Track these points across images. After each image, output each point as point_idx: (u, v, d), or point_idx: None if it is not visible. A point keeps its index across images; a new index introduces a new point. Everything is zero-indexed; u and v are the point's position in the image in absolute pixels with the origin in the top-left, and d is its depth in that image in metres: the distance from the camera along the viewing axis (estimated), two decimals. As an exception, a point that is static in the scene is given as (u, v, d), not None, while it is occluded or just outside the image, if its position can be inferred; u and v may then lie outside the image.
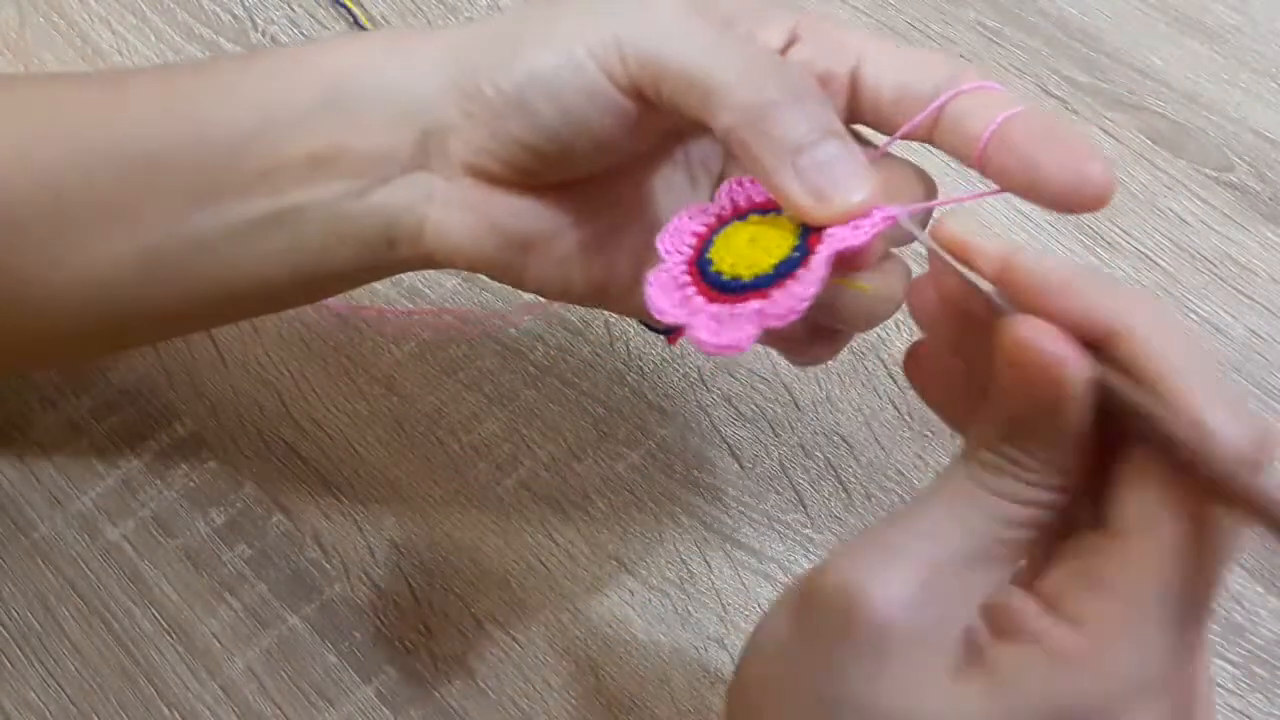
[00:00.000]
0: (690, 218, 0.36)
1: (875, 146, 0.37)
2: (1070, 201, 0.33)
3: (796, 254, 0.33)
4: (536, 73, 0.35)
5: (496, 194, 0.38)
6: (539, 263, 0.38)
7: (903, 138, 0.36)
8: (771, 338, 0.37)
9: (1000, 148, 0.34)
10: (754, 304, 0.33)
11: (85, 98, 0.41)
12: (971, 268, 0.31)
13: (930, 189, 0.37)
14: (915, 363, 0.35)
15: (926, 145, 0.36)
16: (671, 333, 0.41)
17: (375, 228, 0.38)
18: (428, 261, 0.39)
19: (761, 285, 0.33)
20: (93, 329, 0.41)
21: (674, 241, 0.36)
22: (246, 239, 0.39)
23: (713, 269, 0.34)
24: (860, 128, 0.38)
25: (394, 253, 0.39)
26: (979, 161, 0.34)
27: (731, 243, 0.35)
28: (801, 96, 0.34)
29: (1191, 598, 0.28)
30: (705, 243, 0.36)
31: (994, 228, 0.54)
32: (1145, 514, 0.28)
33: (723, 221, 0.36)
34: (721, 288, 0.34)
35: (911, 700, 0.28)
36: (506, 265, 0.38)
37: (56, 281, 0.40)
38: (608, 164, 0.37)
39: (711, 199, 0.38)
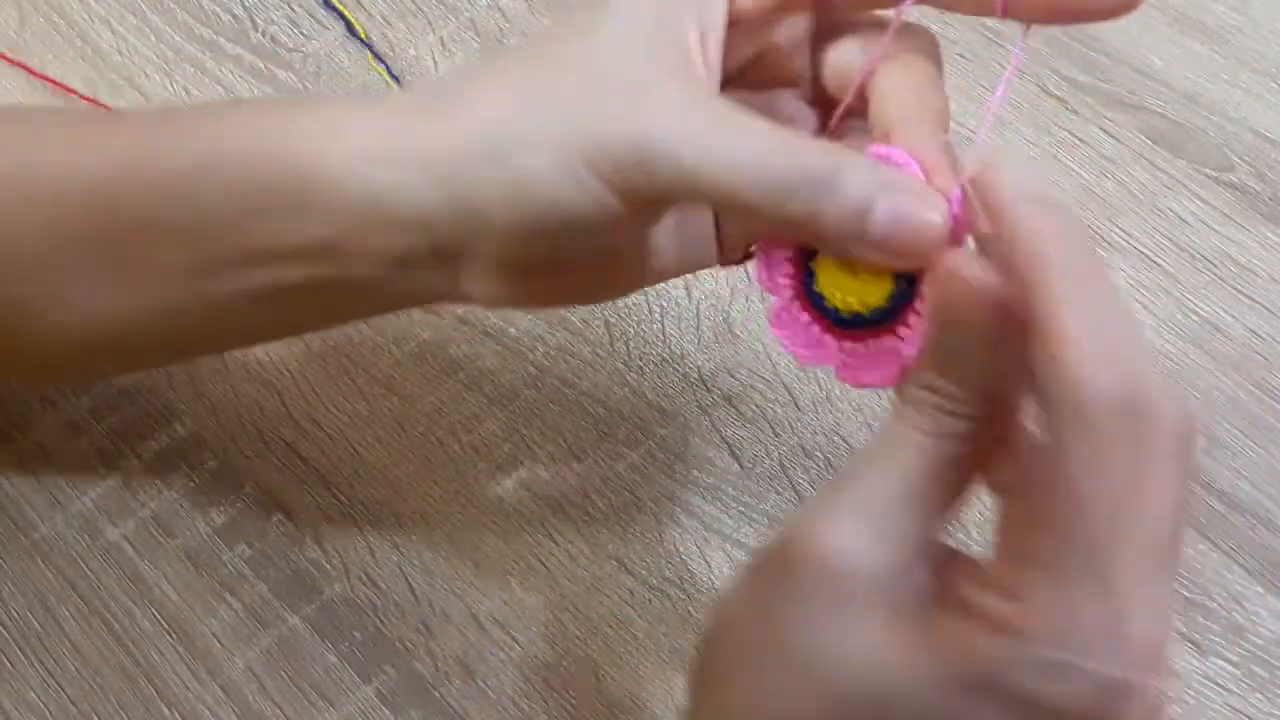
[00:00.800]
0: (777, 245, 0.35)
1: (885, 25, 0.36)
2: (1103, 6, 0.32)
3: (905, 283, 0.33)
4: (536, 207, 0.33)
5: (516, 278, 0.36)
6: (572, 297, 0.40)
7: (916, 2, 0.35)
8: None
9: None
10: (888, 342, 0.33)
11: (74, 144, 0.39)
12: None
13: (934, 45, 0.37)
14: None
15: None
16: (744, 257, 0.39)
17: (407, 295, 0.38)
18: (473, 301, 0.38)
19: (880, 320, 0.33)
20: (106, 362, 0.42)
21: (772, 274, 0.35)
22: (263, 303, 0.37)
23: (827, 304, 0.34)
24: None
25: (432, 301, 0.40)
26: (1004, 2, 0.34)
27: (830, 271, 0.34)
28: (833, 175, 0.32)
29: (1108, 533, 0.28)
30: (804, 270, 0.35)
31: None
32: (1030, 467, 0.29)
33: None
34: (840, 323, 0.34)
35: (876, 652, 0.29)
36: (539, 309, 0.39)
37: (65, 324, 0.39)
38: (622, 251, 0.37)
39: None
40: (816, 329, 0.35)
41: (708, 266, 0.40)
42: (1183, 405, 0.28)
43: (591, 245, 0.35)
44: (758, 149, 0.32)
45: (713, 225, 0.39)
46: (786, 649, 0.30)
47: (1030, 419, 0.31)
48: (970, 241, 0.32)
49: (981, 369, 0.30)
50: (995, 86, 0.57)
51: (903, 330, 0.33)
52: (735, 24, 0.36)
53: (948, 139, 0.34)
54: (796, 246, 0.35)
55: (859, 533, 0.30)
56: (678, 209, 0.37)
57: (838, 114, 0.37)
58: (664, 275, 0.39)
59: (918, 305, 0.33)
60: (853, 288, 0.34)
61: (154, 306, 0.38)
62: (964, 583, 0.30)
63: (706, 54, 0.35)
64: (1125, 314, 0.29)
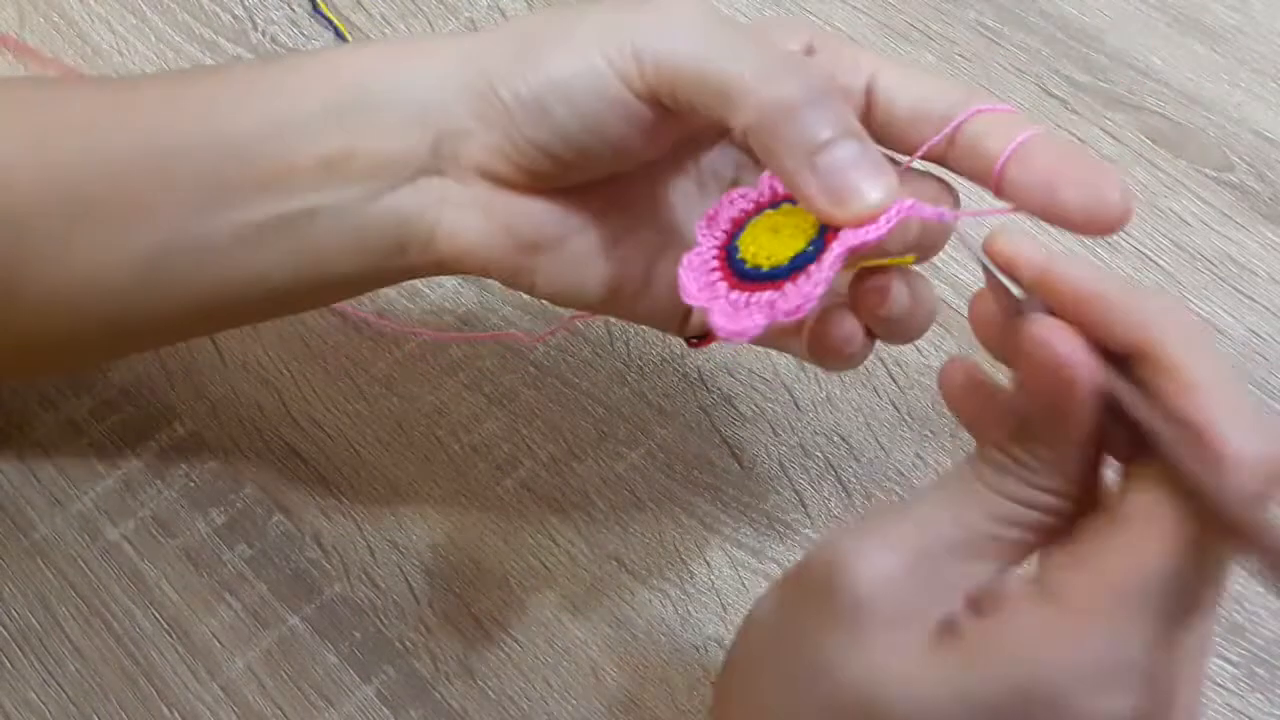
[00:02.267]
0: (730, 203, 0.37)
1: (898, 165, 0.37)
2: (1088, 225, 0.33)
3: (812, 248, 0.33)
4: (554, 78, 0.35)
5: (509, 197, 0.38)
6: (550, 266, 0.38)
7: (920, 157, 0.36)
8: (790, 338, 0.38)
9: (1018, 169, 0.34)
10: (767, 295, 0.33)
11: (97, 98, 0.41)
12: (1014, 277, 0.31)
13: (954, 197, 0.38)
14: (950, 379, 0.35)
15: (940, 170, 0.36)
16: (700, 339, 0.41)
17: (386, 232, 0.38)
18: (438, 268, 0.39)
19: (778, 276, 0.34)
20: (92, 333, 0.41)
21: (711, 226, 0.37)
22: (254, 242, 0.39)
23: (738, 256, 0.35)
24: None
25: (404, 258, 0.39)
26: (997, 182, 0.34)
27: (757, 232, 0.35)
28: (820, 95, 0.34)
29: (1180, 595, 0.28)
30: (738, 229, 0.36)
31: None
32: (1147, 505, 0.28)
33: (759, 208, 0.37)
34: (743, 276, 0.35)
35: (880, 671, 0.29)
36: (518, 269, 0.38)
37: (59, 281, 0.40)
38: (622, 169, 0.38)
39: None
40: (717, 276, 0.35)
41: (666, 330, 0.41)
42: None
43: (596, 146, 0.36)
44: (762, 54, 0.34)
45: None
46: (796, 662, 0.30)
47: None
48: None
49: (1071, 452, 0.30)
50: (996, 92, 0.57)
51: (787, 286, 0.33)
52: None
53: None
54: (756, 204, 0.37)
55: (893, 566, 0.29)
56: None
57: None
58: (631, 307, 0.40)
59: (810, 267, 0.33)
60: (765, 245, 0.35)
61: (151, 249, 0.39)
62: (1004, 584, 0.29)
63: None
64: (1240, 379, 0.29)
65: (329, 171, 0.38)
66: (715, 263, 0.36)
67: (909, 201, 0.33)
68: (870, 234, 0.33)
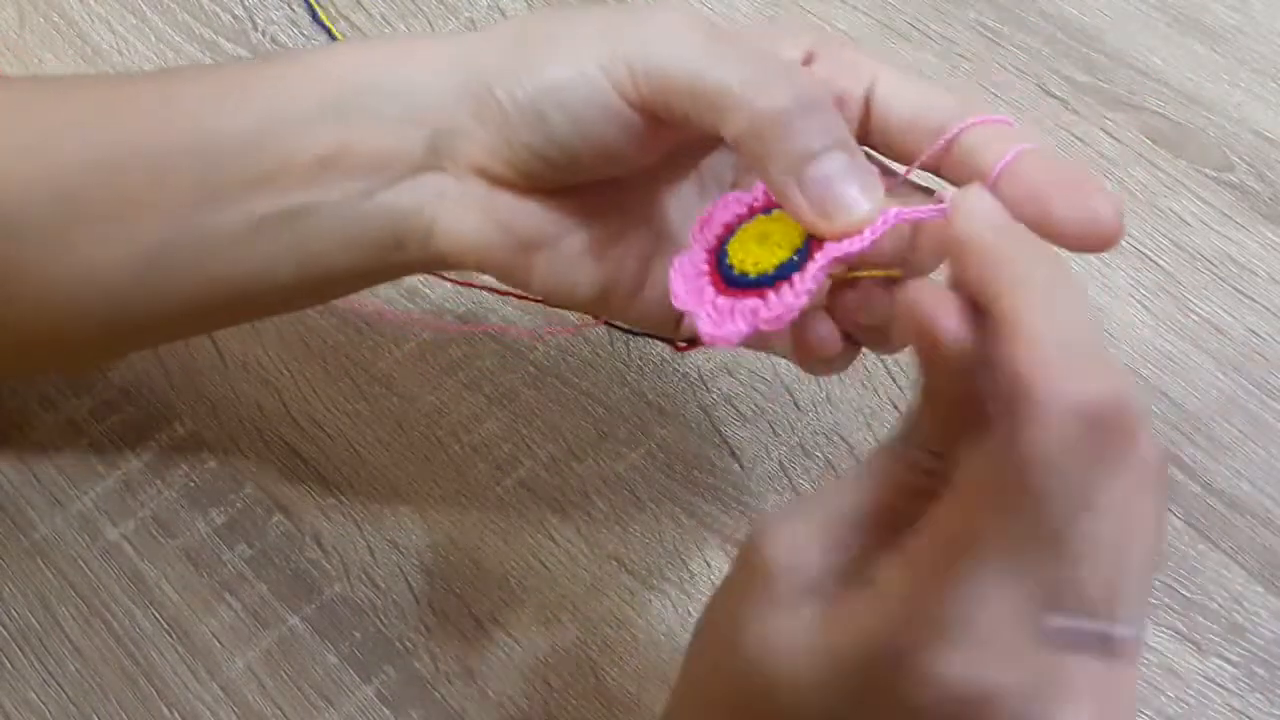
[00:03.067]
0: (724, 207, 0.37)
1: (895, 175, 0.37)
2: (1079, 241, 0.33)
3: (797, 257, 0.34)
4: (549, 84, 0.36)
5: (505, 195, 0.38)
6: (545, 264, 0.38)
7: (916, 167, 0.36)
8: (778, 341, 0.38)
9: (1012, 182, 0.34)
10: (751, 302, 0.33)
11: (92, 96, 0.41)
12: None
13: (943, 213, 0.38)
14: None
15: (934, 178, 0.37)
16: (689, 343, 0.41)
17: (384, 228, 0.38)
18: (436, 263, 0.39)
19: (763, 284, 0.34)
20: (92, 332, 0.41)
21: (704, 230, 0.37)
22: (252, 239, 0.39)
23: (727, 261, 0.35)
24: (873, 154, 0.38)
25: (401, 254, 0.39)
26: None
27: (747, 237, 0.36)
28: (810, 105, 0.34)
29: (1012, 543, 0.27)
30: (730, 234, 0.36)
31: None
32: (962, 472, 0.28)
33: (753, 213, 0.37)
34: (730, 281, 0.35)
35: (760, 632, 0.30)
36: (513, 266, 0.39)
37: (58, 280, 0.40)
38: (616, 174, 0.38)
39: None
40: (706, 280, 0.35)
41: (658, 331, 0.41)
42: (1155, 439, 0.28)
43: (590, 152, 0.36)
44: (752, 63, 0.34)
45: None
46: (719, 636, 0.32)
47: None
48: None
49: (935, 406, 0.30)
50: (995, 92, 0.57)
51: (769, 294, 0.34)
52: None
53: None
54: (750, 208, 0.37)
55: (798, 539, 0.31)
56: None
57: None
58: (624, 307, 0.40)
59: (794, 277, 0.33)
60: (752, 252, 0.35)
61: (148, 247, 0.39)
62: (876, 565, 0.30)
63: None
64: (1094, 327, 0.28)
65: (325, 168, 0.38)
66: (705, 267, 0.36)
67: (894, 211, 0.33)
68: (853, 245, 0.33)
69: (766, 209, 0.37)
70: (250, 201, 0.38)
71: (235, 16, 0.60)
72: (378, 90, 0.38)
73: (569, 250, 0.38)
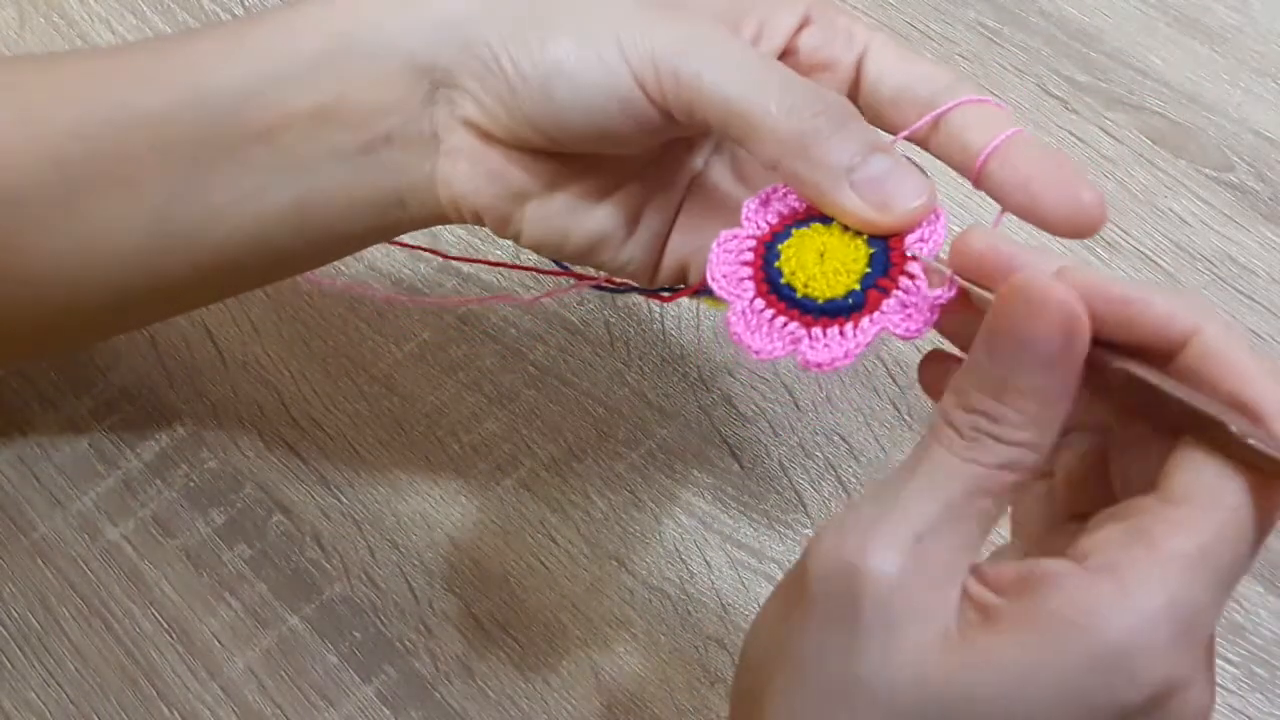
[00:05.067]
0: (785, 194, 0.36)
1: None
2: (1064, 227, 0.33)
3: (851, 300, 0.33)
4: (563, 63, 0.35)
5: (494, 148, 0.37)
6: (536, 214, 0.38)
7: (905, 138, 0.36)
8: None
9: (999, 166, 0.34)
10: (794, 327, 0.33)
11: (85, 68, 0.41)
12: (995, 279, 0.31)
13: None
14: (930, 370, 0.35)
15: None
16: (668, 292, 0.40)
17: (385, 184, 0.38)
18: (436, 217, 0.39)
19: (809, 310, 0.33)
20: (96, 306, 0.41)
21: (759, 212, 0.36)
22: (253, 201, 0.38)
23: (777, 264, 0.34)
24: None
25: (403, 210, 0.39)
26: (977, 176, 0.35)
27: (804, 246, 0.34)
28: (843, 120, 0.34)
29: (1233, 564, 0.28)
30: (786, 226, 0.35)
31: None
32: (1204, 483, 0.28)
33: (810, 215, 0.35)
34: (775, 288, 0.34)
35: (928, 668, 0.28)
36: (507, 216, 0.38)
37: (59, 255, 0.39)
38: (615, 153, 0.37)
39: (707, 163, 0.38)
40: (749, 274, 0.34)
41: (636, 280, 0.40)
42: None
43: (594, 135, 0.36)
44: (783, 84, 0.34)
45: (658, 249, 0.39)
46: (827, 680, 0.30)
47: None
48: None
49: (1048, 397, 0.29)
50: (995, 92, 0.57)
51: (816, 330, 0.33)
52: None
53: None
54: (761, 238, 0.36)
55: (901, 563, 0.29)
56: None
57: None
58: (612, 257, 0.39)
59: (847, 327, 0.33)
60: (808, 267, 0.34)
61: (152, 211, 0.39)
62: (1047, 563, 0.29)
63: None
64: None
65: (321, 123, 0.37)
66: (750, 255, 0.35)
67: (942, 289, 0.32)
68: (913, 324, 0.32)
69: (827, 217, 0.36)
70: (250, 162, 0.38)
71: (235, 17, 0.60)
72: (373, 41, 0.37)
73: (561, 200, 0.38)
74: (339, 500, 0.48)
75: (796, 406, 0.50)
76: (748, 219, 0.36)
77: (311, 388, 0.51)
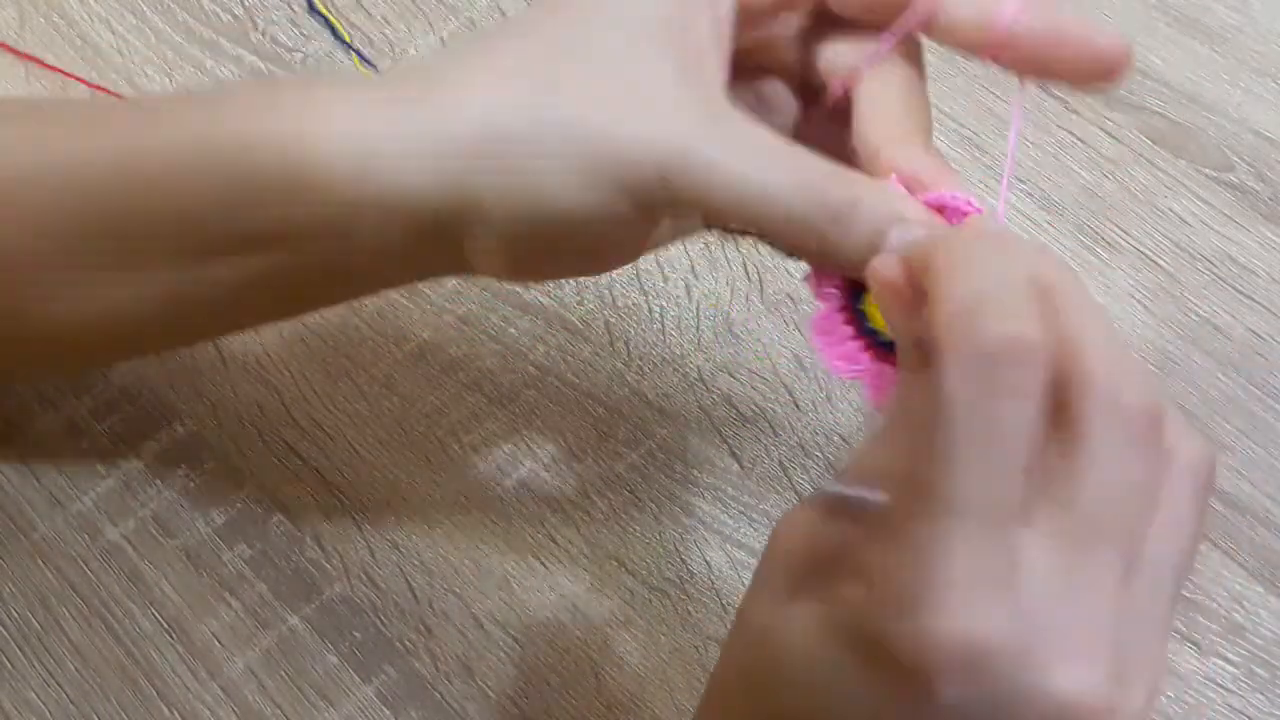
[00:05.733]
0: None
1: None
2: (1095, 71, 0.33)
3: None
4: (545, 208, 0.33)
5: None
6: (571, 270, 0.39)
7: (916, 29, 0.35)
8: None
9: (1015, 43, 0.33)
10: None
11: (70, 143, 0.38)
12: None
13: (918, 49, 0.36)
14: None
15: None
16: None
17: (410, 273, 0.39)
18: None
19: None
20: (103, 357, 0.42)
21: (821, 282, 0.35)
22: (272, 285, 0.38)
23: (868, 323, 0.34)
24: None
25: (432, 276, 0.39)
26: (995, 49, 0.34)
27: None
28: (841, 211, 0.32)
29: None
30: (851, 286, 0.35)
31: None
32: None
33: None
34: (878, 344, 0.34)
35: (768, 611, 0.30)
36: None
37: (59, 319, 0.39)
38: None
39: None
40: (854, 344, 0.34)
41: (695, 234, 0.40)
42: (1208, 450, 0.28)
43: (595, 242, 0.35)
44: (779, 178, 0.32)
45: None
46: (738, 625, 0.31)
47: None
48: None
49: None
50: (994, 87, 0.57)
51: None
52: (740, 15, 0.35)
53: (937, 155, 0.34)
54: (843, 306, 0.35)
55: (797, 522, 0.30)
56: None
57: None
58: (657, 246, 0.39)
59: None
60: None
61: (152, 294, 0.38)
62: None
63: (720, 48, 0.34)
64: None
65: (328, 237, 0.35)
66: (847, 328, 0.35)
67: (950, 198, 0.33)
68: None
69: None
70: (248, 261, 0.36)
71: (235, 16, 0.60)
72: (345, 183, 0.34)
73: (598, 255, 0.37)
74: (339, 500, 0.48)
75: (796, 406, 0.50)
76: (821, 298, 0.35)
77: (311, 388, 0.50)
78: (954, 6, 0.34)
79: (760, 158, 0.32)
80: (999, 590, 0.26)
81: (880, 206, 0.32)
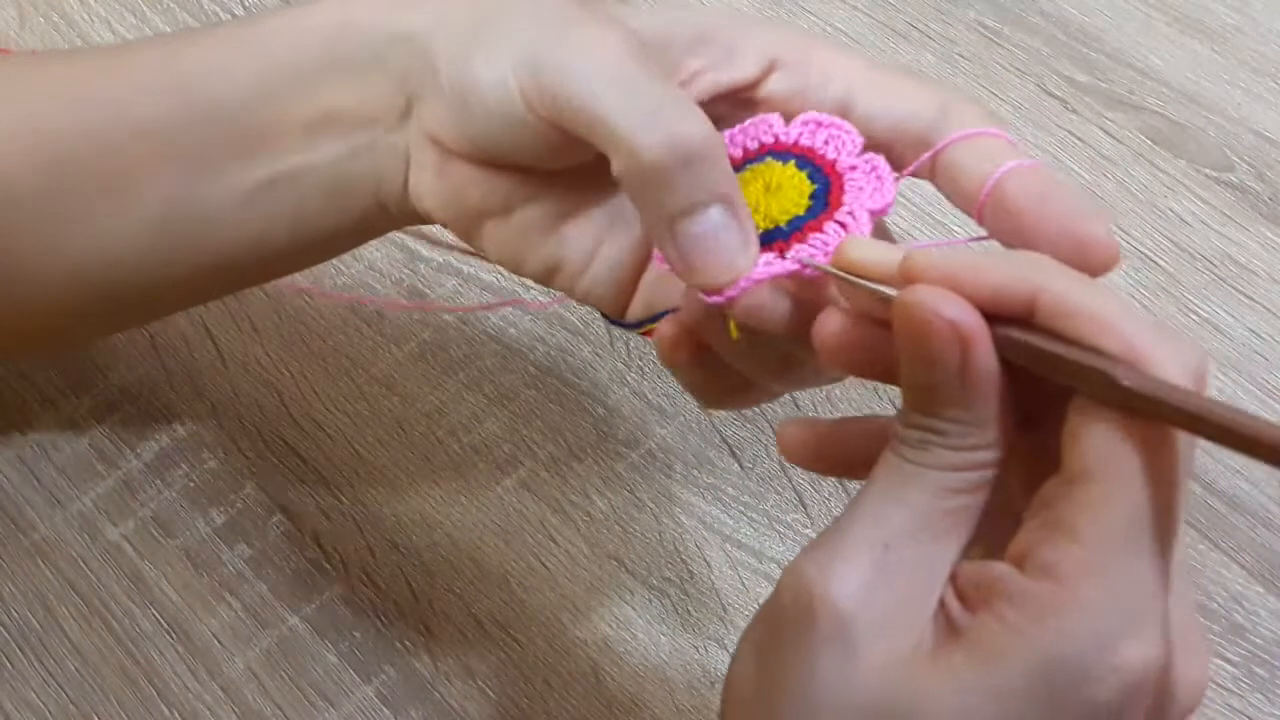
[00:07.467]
0: (765, 128, 0.36)
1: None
2: (1075, 266, 0.32)
3: (788, 227, 0.34)
4: (471, 81, 0.36)
5: (455, 163, 0.38)
6: (496, 234, 0.38)
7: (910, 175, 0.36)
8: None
9: (998, 207, 0.33)
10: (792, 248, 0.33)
11: (82, 71, 0.41)
12: (870, 280, 0.31)
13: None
14: (788, 436, 0.35)
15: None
16: (641, 326, 0.40)
17: (367, 190, 0.39)
18: (419, 220, 0.40)
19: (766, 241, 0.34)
20: (92, 307, 0.41)
21: (733, 141, 0.36)
22: (248, 206, 0.39)
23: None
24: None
25: (384, 215, 0.39)
26: (979, 218, 0.34)
27: (752, 184, 0.35)
28: (690, 158, 0.33)
29: (1159, 523, 0.28)
30: (739, 166, 0.35)
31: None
32: (1100, 453, 0.28)
33: (763, 151, 0.36)
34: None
35: (890, 687, 0.28)
36: (469, 232, 0.39)
37: (56, 258, 0.40)
38: (542, 168, 0.37)
39: None
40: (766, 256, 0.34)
41: (605, 306, 0.39)
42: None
43: (511, 149, 0.36)
44: (646, 104, 0.33)
45: (626, 284, 0.39)
46: (789, 698, 0.29)
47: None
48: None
49: (979, 403, 0.29)
50: (995, 93, 0.58)
51: (802, 240, 0.33)
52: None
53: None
54: (760, 145, 0.36)
55: (863, 575, 0.29)
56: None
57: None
58: (569, 285, 0.39)
59: (809, 226, 0.33)
60: (759, 203, 0.34)
61: (149, 219, 0.39)
62: (991, 570, 0.29)
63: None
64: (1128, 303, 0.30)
65: (313, 132, 0.38)
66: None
67: (764, 263, 0.33)
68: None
69: (779, 150, 0.36)
70: (246, 170, 0.39)
71: (235, 17, 0.60)
72: (365, 51, 0.38)
73: (519, 223, 0.38)
74: (339, 500, 0.48)
75: (796, 407, 0.50)
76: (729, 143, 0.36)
77: (311, 388, 0.51)
78: (958, 151, 0.35)
79: (622, 77, 0.34)
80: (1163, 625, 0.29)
81: (717, 172, 0.33)
